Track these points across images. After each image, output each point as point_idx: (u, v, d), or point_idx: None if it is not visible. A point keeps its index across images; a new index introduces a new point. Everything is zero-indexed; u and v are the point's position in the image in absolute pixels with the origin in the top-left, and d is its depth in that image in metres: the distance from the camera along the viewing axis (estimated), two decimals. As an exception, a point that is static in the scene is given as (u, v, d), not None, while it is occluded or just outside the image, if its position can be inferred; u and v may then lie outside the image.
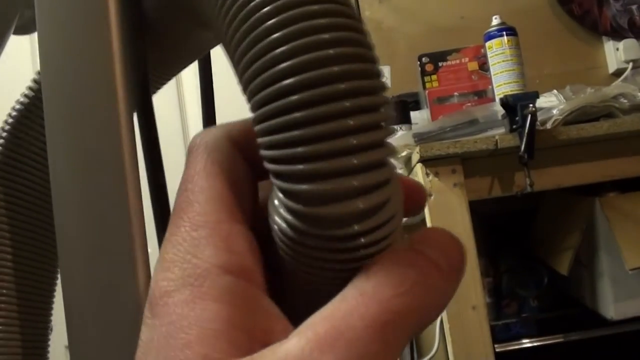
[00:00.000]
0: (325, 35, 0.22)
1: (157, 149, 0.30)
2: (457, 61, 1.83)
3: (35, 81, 0.38)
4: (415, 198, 0.30)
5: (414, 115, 1.79)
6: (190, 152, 0.27)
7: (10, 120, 0.39)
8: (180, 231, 0.25)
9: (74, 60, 0.28)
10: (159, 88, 0.37)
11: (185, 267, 0.24)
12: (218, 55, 0.33)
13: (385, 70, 2.11)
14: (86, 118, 0.28)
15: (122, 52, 0.28)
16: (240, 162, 0.27)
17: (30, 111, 0.38)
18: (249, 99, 0.23)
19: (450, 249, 0.25)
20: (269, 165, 0.23)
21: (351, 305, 0.22)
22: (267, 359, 0.22)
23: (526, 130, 1.27)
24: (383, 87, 0.24)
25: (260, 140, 0.24)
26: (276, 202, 0.25)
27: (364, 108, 0.22)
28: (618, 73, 2.13)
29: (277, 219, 0.24)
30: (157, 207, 0.30)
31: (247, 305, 0.24)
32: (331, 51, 0.22)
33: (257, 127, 0.24)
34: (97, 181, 0.27)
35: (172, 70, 0.36)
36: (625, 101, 1.42)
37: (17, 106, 0.39)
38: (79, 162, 0.27)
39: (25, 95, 0.39)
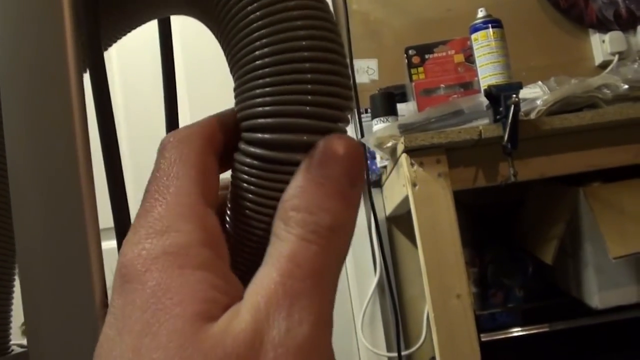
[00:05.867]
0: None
1: (108, 105, 0.31)
2: (444, 53, 1.84)
3: None
4: None
5: (400, 107, 1.79)
6: (163, 147, 0.29)
7: None
8: (156, 209, 0.27)
9: (25, 18, 0.29)
10: (110, 45, 0.38)
11: (165, 238, 0.26)
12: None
13: (373, 63, 2.12)
14: (37, 75, 0.29)
15: (72, 11, 0.29)
16: (210, 154, 0.29)
17: None
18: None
19: (351, 165, 0.27)
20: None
21: (284, 267, 0.25)
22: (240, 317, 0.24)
23: (509, 121, 1.28)
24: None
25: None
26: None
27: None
28: (604, 65, 2.15)
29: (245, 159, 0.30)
30: (108, 164, 0.31)
31: (222, 274, 0.26)
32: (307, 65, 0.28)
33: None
34: (48, 135, 0.28)
35: (124, 27, 0.37)
36: (609, 92, 1.42)
37: None
38: (31, 118, 0.29)
39: None
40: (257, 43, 0.28)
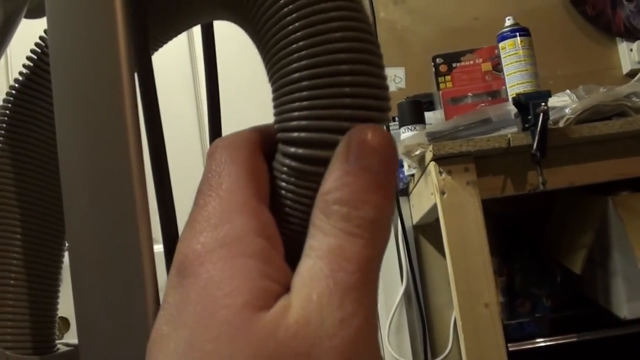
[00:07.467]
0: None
1: (156, 106, 0.32)
2: (471, 62, 1.84)
3: (41, 39, 0.40)
4: None
5: (428, 115, 1.80)
6: (213, 150, 0.30)
7: (19, 80, 0.41)
8: (210, 205, 0.28)
9: (79, 21, 0.30)
10: (157, 49, 0.39)
11: (219, 231, 0.27)
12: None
13: (400, 72, 2.13)
14: (90, 77, 0.30)
15: (124, 15, 0.30)
16: (259, 156, 0.30)
17: (36, 73, 0.41)
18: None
19: (387, 156, 0.28)
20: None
21: (334, 260, 0.26)
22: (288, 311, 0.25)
23: (538, 129, 1.28)
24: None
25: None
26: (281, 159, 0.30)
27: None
28: (632, 74, 2.13)
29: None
30: (155, 163, 0.32)
31: (275, 263, 0.27)
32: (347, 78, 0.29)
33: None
34: (100, 138, 0.29)
35: (171, 32, 0.38)
36: (638, 100, 1.41)
37: (24, 70, 0.41)
38: (83, 120, 0.30)
39: (31, 57, 0.41)
40: (295, 54, 0.29)
